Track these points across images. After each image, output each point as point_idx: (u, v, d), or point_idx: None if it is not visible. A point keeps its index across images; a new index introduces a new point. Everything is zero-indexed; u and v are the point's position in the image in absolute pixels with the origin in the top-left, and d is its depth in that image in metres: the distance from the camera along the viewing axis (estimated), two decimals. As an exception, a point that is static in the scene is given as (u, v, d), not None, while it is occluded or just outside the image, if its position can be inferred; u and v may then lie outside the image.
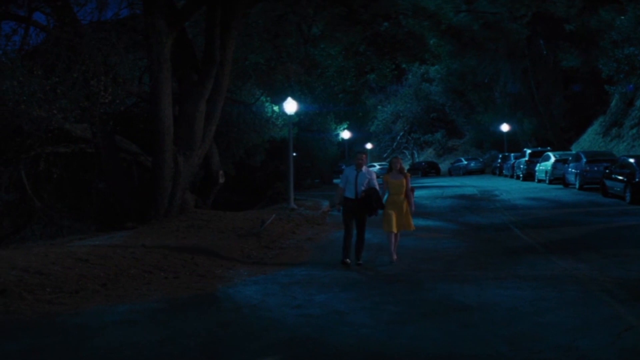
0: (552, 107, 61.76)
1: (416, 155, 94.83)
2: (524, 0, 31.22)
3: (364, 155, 16.51)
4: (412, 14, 31.21)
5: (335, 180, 66.42)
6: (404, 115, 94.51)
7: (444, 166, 79.37)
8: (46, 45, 22.99)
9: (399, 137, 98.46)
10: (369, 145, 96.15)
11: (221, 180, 27.60)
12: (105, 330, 8.91)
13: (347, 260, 15.23)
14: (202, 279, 13.18)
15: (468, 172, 67.52)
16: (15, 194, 29.40)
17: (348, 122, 59.76)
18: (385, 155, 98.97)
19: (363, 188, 15.63)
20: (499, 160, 59.64)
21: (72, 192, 30.88)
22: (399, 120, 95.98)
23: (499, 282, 12.02)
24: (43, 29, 24.57)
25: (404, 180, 16.04)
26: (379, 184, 15.99)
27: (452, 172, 71.71)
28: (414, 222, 16.43)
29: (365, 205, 15.71)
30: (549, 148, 49.25)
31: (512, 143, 65.05)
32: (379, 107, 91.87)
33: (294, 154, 32.22)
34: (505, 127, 65.73)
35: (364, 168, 16.02)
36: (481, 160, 71.82)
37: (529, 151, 48.53)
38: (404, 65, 42.77)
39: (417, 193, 39.31)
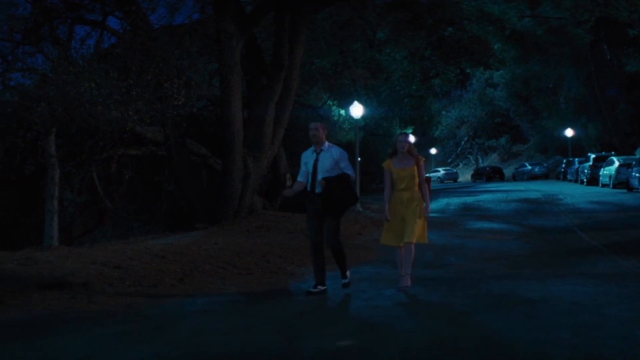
0: (617, 112, 61.22)
1: (480, 161, 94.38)
2: (586, 6, 31.02)
3: (319, 125, 11.57)
4: (477, 19, 31.27)
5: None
6: (468, 120, 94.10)
7: (508, 171, 78.96)
8: (119, 48, 23.55)
9: (463, 142, 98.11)
10: (433, 151, 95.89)
11: (288, 182, 27.89)
12: (186, 318, 9.27)
13: (317, 288, 11.05)
14: (275, 275, 13.51)
15: (532, 177, 67.10)
16: (86, 196, 30.04)
17: (413, 127, 59.84)
18: (449, 160, 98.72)
19: (327, 175, 11.06)
20: (563, 165, 59.27)
21: (142, 194, 31.49)
22: (464, 125, 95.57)
23: (562, 279, 12.18)
24: (115, 33, 25.20)
25: (415, 168, 11.21)
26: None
27: (516, 177, 71.32)
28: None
29: (327, 202, 11.03)
30: (613, 153, 48.86)
31: (576, 148, 64.54)
32: (444, 112, 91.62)
33: (360, 158, 32.43)
34: (569, 132, 65.20)
35: (325, 145, 11.43)
36: (545, 165, 71.30)
37: (593, 156, 48.20)
38: (468, 70, 42.74)
39: (481, 197, 39.88)
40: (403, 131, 12.76)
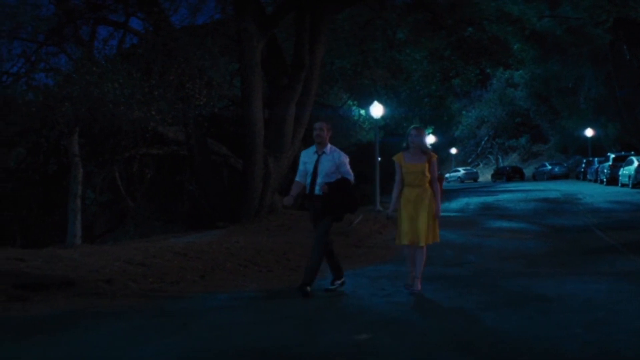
0: (636, 112, 61.04)
1: (501, 160, 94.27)
2: (604, 6, 31.02)
3: (324, 125, 11.36)
4: (496, 19, 31.33)
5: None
6: (489, 120, 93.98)
7: (528, 171, 78.88)
8: (141, 48, 23.79)
9: (483, 142, 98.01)
10: (453, 150, 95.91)
11: (308, 182, 28.00)
12: (208, 313, 9.47)
13: (308, 288, 10.69)
14: (295, 272, 13.66)
15: (552, 177, 67.03)
16: (108, 195, 30.33)
17: (433, 127, 59.89)
18: (469, 160, 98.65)
19: (327, 180, 10.92)
20: (583, 165, 59.21)
21: (164, 193, 31.75)
22: (484, 125, 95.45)
23: (578, 277, 12.32)
24: (137, 34, 25.44)
25: (427, 165, 10.85)
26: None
27: (536, 177, 71.27)
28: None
29: (327, 205, 10.88)
30: (632, 153, 48.80)
31: (596, 148, 64.43)
32: (464, 112, 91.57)
33: (380, 158, 32.55)
34: (589, 132, 65.24)
35: (328, 147, 11.25)
36: (565, 165, 71.24)
37: (612, 156, 48.17)
38: (488, 70, 42.79)
39: (500, 197, 39.95)
40: (415, 125, 11.88)
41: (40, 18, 22.17)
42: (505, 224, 24.12)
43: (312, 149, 11.34)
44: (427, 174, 10.83)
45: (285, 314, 9.31)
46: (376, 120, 33.18)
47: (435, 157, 11.04)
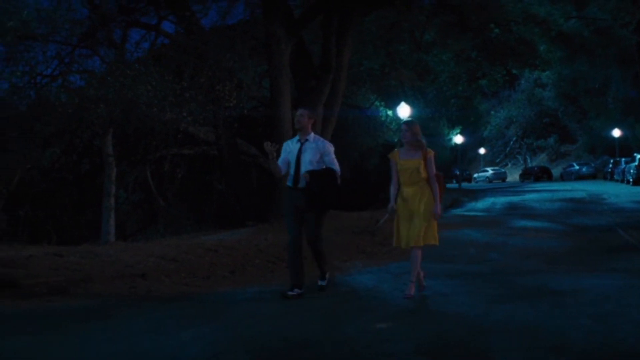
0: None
1: (529, 161, 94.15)
2: (627, 8, 31.22)
3: (305, 112, 10.79)
4: (522, 20, 31.54)
5: (449, 185, 66.50)
6: (517, 120, 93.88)
7: (556, 171, 78.84)
8: (172, 51, 24.32)
9: (511, 142, 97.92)
10: (482, 151, 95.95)
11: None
12: (237, 304, 9.93)
13: (292, 292, 10.23)
14: (321, 269, 14.18)
15: (580, 177, 66.98)
16: (140, 194, 30.86)
17: (460, 127, 60.13)
18: (498, 160, 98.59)
19: (311, 168, 10.32)
20: (610, 166, 59.13)
21: (194, 193, 32.23)
22: (512, 125, 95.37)
23: (594, 273, 12.61)
24: (169, 37, 25.96)
25: (422, 161, 10.15)
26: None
27: (564, 177, 71.24)
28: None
29: (312, 198, 10.25)
30: (659, 153, 48.85)
31: (624, 148, 64.27)
32: (492, 112, 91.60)
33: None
34: (617, 133, 65.16)
35: (311, 135, 10.66)
36: (593, 165, 71.11)
37: (639, 156, 48.21)
38: (514, 71, 42.97)
39: (527, 197, 40.23)
40: (406, 119, 11.48)
41: (75, 21, 22.72)
42: (529, 223, 24.37)
43: (296, 137, 10.80)
44: (423, 171, 10.15)
45: (310, 306, 9.76)
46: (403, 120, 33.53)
47: (431, 153, 10.23)
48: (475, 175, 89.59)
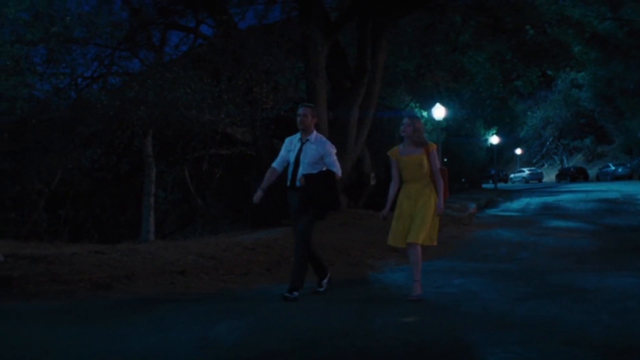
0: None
1: (565, 161, 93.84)
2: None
3: (308, 111, 10.41)
4: (557, 22, 31.63)
5: (484, 185, 66.50)
6: (554, 121, 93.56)
7: (593, 172, 78.67)
8: (209, 53, 24.75)
9: (548, 143, 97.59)
10: (518, 151, 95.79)
11: (372, 182, 28.61)
12: (272, 299, 10.28)
13: (291, 294, 10.04)
14: (354, 267, 14.48)
15: (615, 178, 66.98)
16: (178, 194, 31.29)
17: (497, 127, 60.16)
18: (534, 160, 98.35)
19: (310, 170, 10.13)
20: (646, 166, 59.24)
21: (231, 192, 32.60)
22: (549, 126, 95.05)
23: (620, 272, 12.90)
24: (206, 39, 26.41)
25: (424, 157, 9.87)
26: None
27: (599, 178, 71.22)
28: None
29: (305, 201, 10.12)
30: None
31: (660, 149, 64.23)
32: (529, 112, 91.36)
33: (446, 159, 33.18)
34: (653, 134, 65.14)
35: (313, 135, 10.39)
36: (629, 165, 70.96)
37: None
38: (549, 72, 42.96)
39: (561, 197, 40.36)
40: (409, 114, 11.37)
41: (115, 24, 23.21)
42: (562, 223, 24.63)
43: (297, 135, 10.45)
44: (425, 166, 9.83)
45: (341, 301, 10.19)
46: (438, 121, 33.81)
47: (434, 147, 10.00)
48: (512, 175, 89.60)
